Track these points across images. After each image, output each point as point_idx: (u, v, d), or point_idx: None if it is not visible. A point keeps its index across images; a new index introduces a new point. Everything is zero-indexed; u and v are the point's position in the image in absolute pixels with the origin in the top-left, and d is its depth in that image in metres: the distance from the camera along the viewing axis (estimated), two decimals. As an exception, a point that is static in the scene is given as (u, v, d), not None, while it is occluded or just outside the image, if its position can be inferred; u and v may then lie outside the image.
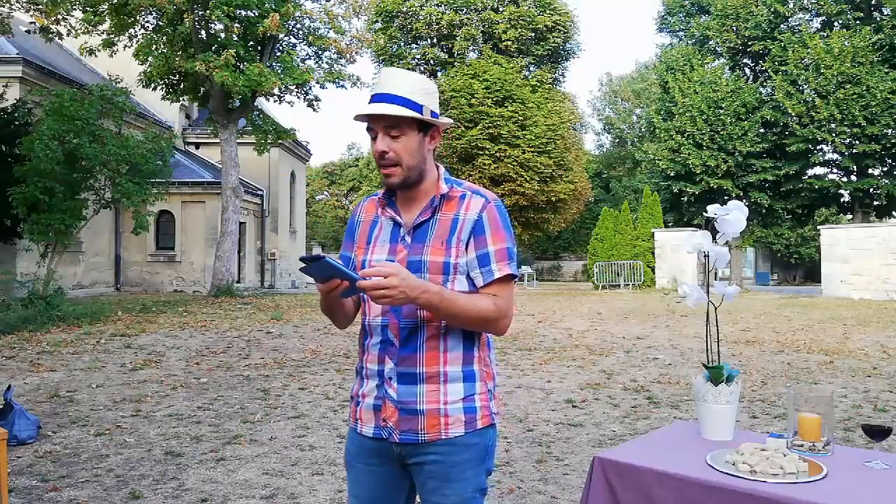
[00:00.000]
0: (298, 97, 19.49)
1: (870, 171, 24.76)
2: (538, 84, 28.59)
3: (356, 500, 1.91)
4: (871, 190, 24.85)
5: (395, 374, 1.78)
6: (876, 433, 2.17)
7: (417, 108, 1.74)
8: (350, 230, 1.95)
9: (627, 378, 7.55)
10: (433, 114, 1.78)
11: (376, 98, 1.76)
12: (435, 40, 29.71)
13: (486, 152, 25.87)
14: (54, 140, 11.61)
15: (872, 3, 24.64)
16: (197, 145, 25.19)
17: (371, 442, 1.84)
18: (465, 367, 1.80)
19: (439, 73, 29.96)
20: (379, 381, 1.81)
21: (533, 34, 28.72)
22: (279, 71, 17.17)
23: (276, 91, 18.07)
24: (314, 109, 19.90)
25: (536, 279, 32.86)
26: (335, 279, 1.66)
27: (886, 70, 22.77)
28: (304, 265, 1.64)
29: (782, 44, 24.81)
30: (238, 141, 18.61)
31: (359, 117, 1.79)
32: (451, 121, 1.91)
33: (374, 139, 1.78)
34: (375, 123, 1.77)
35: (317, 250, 52.16)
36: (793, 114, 24.03)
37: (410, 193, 1.83)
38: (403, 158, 1.76)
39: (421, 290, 1.65)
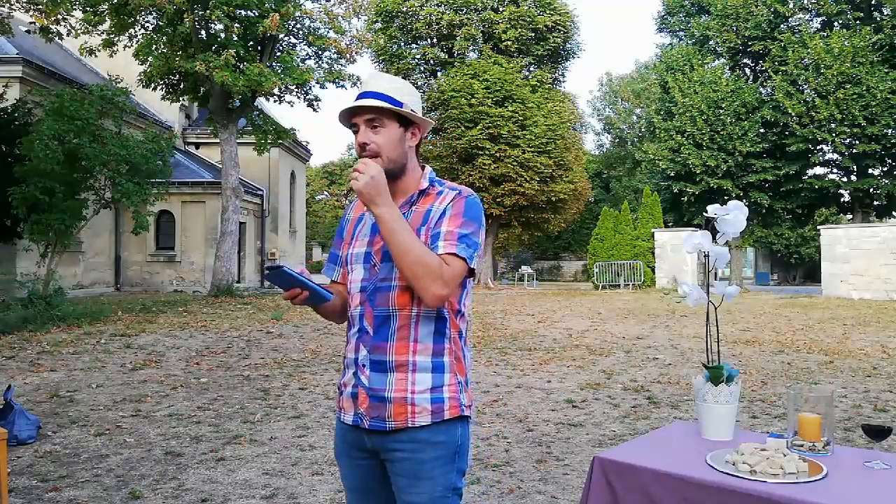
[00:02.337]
0: (298, 97, 19.48)
1: (870, 171, 24.76)
2: (538, 84, 28.59)
3: (347, 490, 1.97)
4: (871, 190, 24.85)
5: (368, 361, 1.83)
6: (876, 433, 2.17)
7: (398, 103, 1.85)
8: (340, 229, 2.04)
9: (627, 378, 7.55)
10: (413, 112, 1.88)
11: (360, 96, 1.86)
12: (435, 40, 29.70)
13: (486, 152, 25.87)
14: (54, 140, 11.61)
15: (872, 3, 24.63)
16: (197, 145, 25.18)
17: (351, 432, 1.89)
18: (434, 357, 1.82)
19: (439, 73, 29.96)
20: (355, 368, 1.86)
21: (533, 34, 28.71)
22: (279, 71, 17.16)
23: (276, 91, 18.06)
24: (314, 109, 19.89)
25: (536, 279, 32.86)
26: (296, 288, 1.77)
27: (886, 70, 22.76)
28: (267, 273, 1.76)
29: (782, 44, 24.80)
30: (238, 141, 18.61)
31: (343, 112, 1.89)
32: (432, 121, 1.99)
33: (356, 133, 1.88)
34: (358, 117, 1.86)
35: (317, 250, 52.21)
36: (793, 114, 24.02)
37: (393, 189, 1.86)
38: (384, 149, 1.83)
39: (383, 200, 1.73)
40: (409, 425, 1.79)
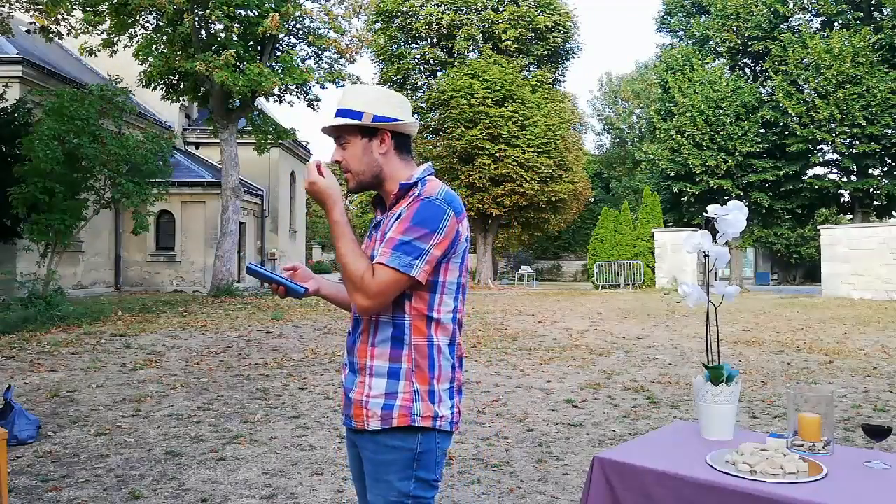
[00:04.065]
0: (298, 97, 19.48)
1: (870, 171, 24.76)
2: (538, 84, 28.59)
3: (352, 477, 2.07)
4: (871, 190, 24.85)
5: (347, 361, 1.94)
6: (876, 433, 2.17)
7: (356, 115, 1.87)
8: None
9: (627, 378, 7.55)
10: (378, 117, 1.86)
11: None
12: (435, 40, 29.71)
13: (486, 152, 25.87)
14: (54, 140, 11.60)
15: (872, 3, 24.62)
16: (197, 145, 25.18)
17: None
18: (391, 364, 1.82)
19: (439, 73, 29.96)
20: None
21: (533, 34, 28.72)
22: (279, 71, 17.16)
23: (276, 91, 18.06)
24: (314, 109, 19.90)
25: (536, 279, 32.86)
26: (273, 282, 1.95)
27: (886, 70, 22.76)
28: (248, 272, 1.97)
29: (782, 44, 24.80)
30: (238, 141, 18.61)
31: (323, 133, 1.99)
32: (407, 120, 1.90)
33: None
34: (330, 138, 1.96)
35: (317, 250, 52.23)
36: (793, 114, 24.03)
37: (382, 194, 1.95)
38: (350, 165, 1.90)
39: (331, 205, 1.82)
40: (364, 428, 1.83)
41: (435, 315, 1.83)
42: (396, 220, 1.80)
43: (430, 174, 1.92)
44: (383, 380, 1.82)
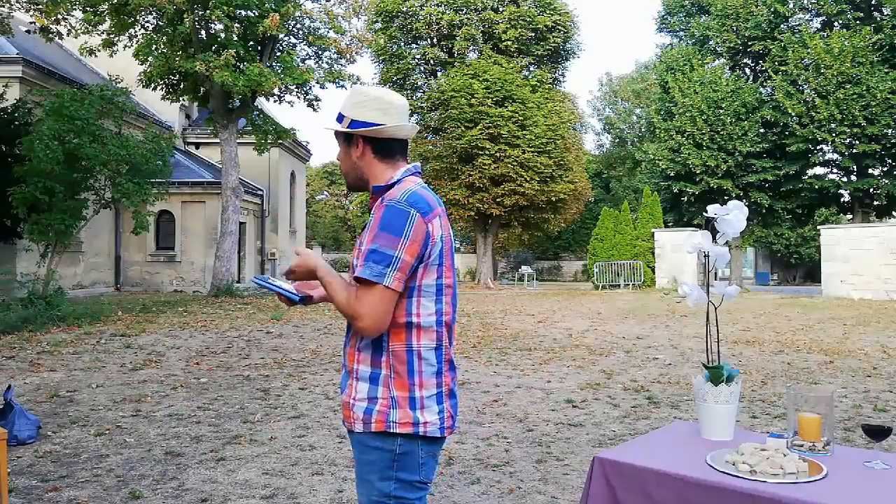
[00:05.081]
0: (298, 97, 19.48)
1: (870, 171, 24.75)
2: (538, 84, 28.59)
3: None
4: (871, 190, 24.84)
5: (343, 363, 1.98)
6: (876, 433, 2.17)
7: (340, 119, 1.93)
8: None
9: (627, 378, 7.55)
10: (355, 123, 1.90)
11: None
12: (435, 40, 29.70)
13: (486, 152, 25.87)
14: (54, 140, 11.61)
15: (872, 3, 24.62)
16: (197, 145, 25.18)
17: None
18: (372, 369, 1.84)
19: (439, 73, 29.96)
20: None
21: (533, 34, 28.72)
22: (279, 71, 17.16)
23: (276, 91, 18.07)
24: (314, 109, 19.90)
25: (536, 279, 32.86)
26: (276, 293, 2.02)
27: (886, 70, 22.76)
28: (255, 283, 2.08)
29: (782, 44, 24.80)
30: (238, 141, 18.60)
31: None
32: (378, 124, 1.88)
33: None
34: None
35: (316, 250, 52.28)
36: (793, 114, 24.02)
37: (373, 199, 1.99)
38: (340, 167, 2.02)
39: (315, 268, 1.88)
40: (353, 429, 1.87)
41: (414, 319, 1.82)
42: (368, 226, 1.83)
43: (410, 174, 1.91)
44: (366, 384, 1.85)
